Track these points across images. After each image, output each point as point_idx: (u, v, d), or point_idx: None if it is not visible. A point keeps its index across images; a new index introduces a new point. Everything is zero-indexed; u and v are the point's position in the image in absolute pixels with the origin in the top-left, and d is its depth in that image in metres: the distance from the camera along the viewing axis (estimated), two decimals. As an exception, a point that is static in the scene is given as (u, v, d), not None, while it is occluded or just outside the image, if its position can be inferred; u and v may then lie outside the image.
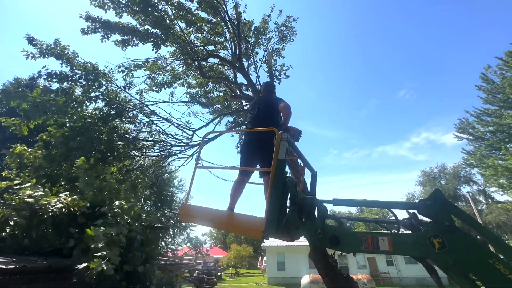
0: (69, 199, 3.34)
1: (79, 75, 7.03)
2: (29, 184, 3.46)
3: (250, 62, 11.15)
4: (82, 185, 3.82)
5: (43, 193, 3.30)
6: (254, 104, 3.45)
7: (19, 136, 6.46)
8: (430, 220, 1.88)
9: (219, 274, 29.72)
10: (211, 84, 12.27)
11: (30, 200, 3.10)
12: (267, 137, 2.94)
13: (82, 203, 3.41)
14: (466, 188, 34.16)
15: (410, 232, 2.42)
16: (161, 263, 4.70)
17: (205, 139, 3.65)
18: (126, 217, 3.39)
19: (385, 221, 2.68)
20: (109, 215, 3.40)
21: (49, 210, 3.07)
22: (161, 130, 8.07)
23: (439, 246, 1.64)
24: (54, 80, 6.36)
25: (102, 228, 3.08)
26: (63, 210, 3.22)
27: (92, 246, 3.12)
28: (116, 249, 3.27)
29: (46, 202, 3.12)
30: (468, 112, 20.81)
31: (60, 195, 3.36)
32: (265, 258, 38.25)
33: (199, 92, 12.37)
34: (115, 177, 5.93)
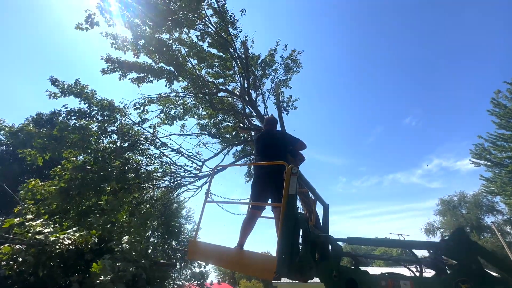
0: (77, 235, 3.30)
1: (96, 111, 7.42)
2: (41, 220, 3.48)
3: (257, 93, 11.58)
4: (95, 219, 3.81)
5: (53, 230, 3.29)
6: (261, 139, 3.50)
7: (35, 168, 6.67)
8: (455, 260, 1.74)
9: (227, 314, 27.65)
10: (220, 115, 12.66)
11: (39, 236, 3.09)
12: (278, 171, 2.93)
13: (90, 239, 3.36)
14: (490, 218, 31.95)
15: (434, 272, 2.24)
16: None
17: (212, 172, 3.66)
18: (134, 253, 3.30)
19: (406, 259, 2.51)
20: (116, 249, 3.31)
21: (57, 247, 3.03)
22: (171, 161, 8.19)
23: (468, 292, 1.50)
24: (73, 117, 6.72)
25: (110, 261, 2.99)
26: (71, 247, 3.17)
27: (98, 281, 3.01)
28: (122, 286, 3.14)
29: (55, 238, 3.10)
30: (482, 138, 20.30)
31: (69, 231, 3.34)
32: (277, 296, 35.64)
33: (209, 123, 12.73)
34: (127, 209, 5.93)
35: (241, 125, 9.60)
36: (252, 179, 3.22)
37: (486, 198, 31.74)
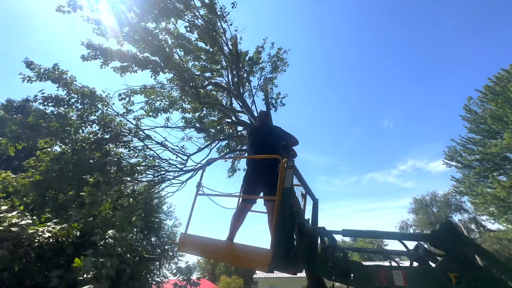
0: (58, 227, 3.10)
1: (75, 99, 7.02)
2: (16, 212, 3.22)
3: (245, 89, 11.53)
4: (76, 212, 3.58)
5: (31, 221, 3.06)
6: (253, 133, 3.50)
7: (5, 158, 6.20)
8: (441, 252, 1.83)
9: (207, 309, 27.56)
10: (205, 110, 12.46)
11: (15, 229, 2.86)
12: (270, 165, 2.93)
13: (72, 232, 3.16)
14: (458, 216, 34.27)
15: (417, 264, 2.35)
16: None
17: (205, 165, 3.58)
18: (119, 249, 3.15)
19: (393, 252, 2.61)
20: (99, 244, 3.15)
21: (35, 241, 2.83)
22: (155, 154, 7.95)
23: (456, 281, 1.59)
24: (51, 104, 6.31)
25: (92, 258, 2.84)
26: (51, 240, 2.97)
27: (80, 278, 2.85)
28: (106, 282, 3.00)
29: (33, 231, 2.88)
30: (454, 141, 21.60)
31: (49, 223, 3.11)
32: (256, 291, 35.98)
33: (194, 117, 12.49)
34: (110, 202, 5.68)
35: (228, 120, 9.51)
36: (245, 172, 3.20)
37: (455, 197, 33.98)
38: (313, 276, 3.52)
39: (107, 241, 3.15)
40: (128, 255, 3.18)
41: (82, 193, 4.35)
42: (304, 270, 2.04)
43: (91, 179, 4.49)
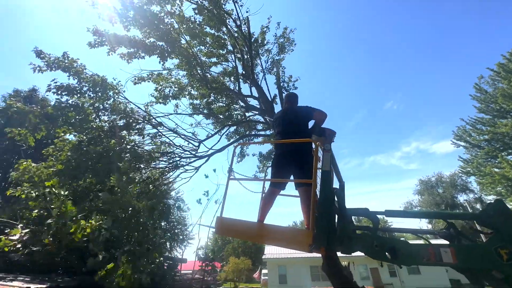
0: (96, 224, 3.15)
1: (87, 87, 6.98)
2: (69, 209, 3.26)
3: (255, 73, 11.32)
4: (104, 196, 3.63)
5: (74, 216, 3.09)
6: (280, 116, 3.45)
7: (23, 149, 6.29)
8: (490, 230, 1.85)
9: (218, 289, 28.80)
10: (213, 96, 12.35)
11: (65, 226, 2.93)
12: (301, 149, 2.91)
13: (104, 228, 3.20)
14: (463, 197, 34.50)
15: (447, 242, 2.39)
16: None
17: (234, 150, 3.57)
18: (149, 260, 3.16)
19: (422, 231, 2.65)
20: (132, 249, 3.17)
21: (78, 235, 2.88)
22: (168, 141, 8.00)
23: (507, 257, 1.62)
24: (64, 93, 6.30)
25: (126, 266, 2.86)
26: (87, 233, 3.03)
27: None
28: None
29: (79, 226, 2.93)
30: (464, 120, 21.29)
31: (91, 221, 3.14)
32: (264, 271, 37.32)
33: (202, 103, 12.42)
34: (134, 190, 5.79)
35: (243, 104, 9.42)
36: (273, 157, 3.20)
37: (461, 178, 34.05)
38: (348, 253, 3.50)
39: (138, 250, 3.17)
40: (157, 261, 3.21)
41: (107, 181, 4.42)
42: (343, 251, 2.07)
43: (121, 166, 4.52)
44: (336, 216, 2.15)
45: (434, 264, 1.77)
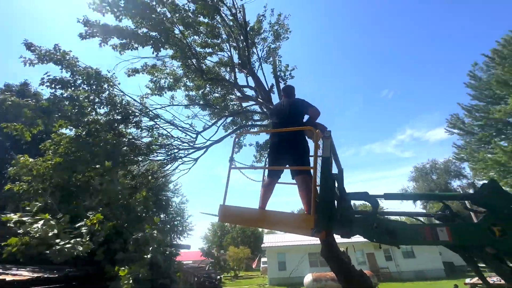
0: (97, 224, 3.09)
1: (81, 80, 6.87)
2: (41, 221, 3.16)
3: (251, 63, 11.20)
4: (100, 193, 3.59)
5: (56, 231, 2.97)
6: (278, 108, 3.49)
7: (20, 144, 6.25)
8: (483, 209, 1.93)
9: (218, 277, 29.44)
10: (209, 87, 12.24)
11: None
12: (296, 138, 2.96)
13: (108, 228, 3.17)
14: (457, 182, 35.29)
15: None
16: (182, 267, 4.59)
17: (234, 140, 3.60)
18: (148, 254, 3.15)
19: (418, 213, 2.74)
20: (131, 249, 3.14)
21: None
22: (165, 133, 7.98)
23: (499, 233, 1.70)
24: (58, 86, 6.20)
25: (127, 267, 2.83)
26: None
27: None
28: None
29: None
30: (460, 105, 21.48)
31: (91, 219, 3.05)
32: (263, 259, 38.12)
33: (198, 95, 12.32)
34: (125, 183, 5.80)
35: (239, 94, 9.37)
36: (269, 148, 3.25)
37: (454, 164, 34.73)
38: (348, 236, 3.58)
39: (140, 247, 3.16)
40: (159, 256, 3.24)
41: (106, 174, 4.42)
42: (343, 234, 2.15)
43: (108, 164, 4.46)
44: (336, 200, 2.21)
45: (431, 243, 1.85)
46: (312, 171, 2.40)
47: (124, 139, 7.25)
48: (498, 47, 18.76)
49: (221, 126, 11.81)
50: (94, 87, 6.95)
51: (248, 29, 9.08)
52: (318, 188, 2.50)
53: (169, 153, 7.97)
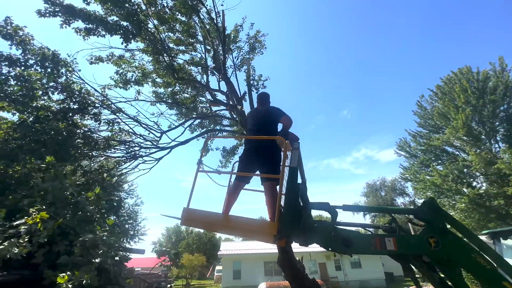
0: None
1: (34, 60, 6.18)
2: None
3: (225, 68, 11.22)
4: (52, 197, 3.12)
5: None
6: (253, 114, 3.55)
7: None
8: (422, 223, 2.20)
9: (169, 286, 27.85)
10: (179, 86, 11.90)
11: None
12: (269, 145, 3.05)
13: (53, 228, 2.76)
14: (401, 199, 39.14)
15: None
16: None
17: (205, 143, 3.55)
18: (96, 258, 2.82)
19: (369, 225, 2.99)
20: (77, 252, 2.77)
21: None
22: (127, 129, 7.49)
23: (434, 244, 1.96)
24: (4, 64, 5.48)
25: (68, 273, 2.49)
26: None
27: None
28: None
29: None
30: (407, 131, 24.06)
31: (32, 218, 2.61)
32: (217, 267, 37.17)
33: (166, 93, 11.87)
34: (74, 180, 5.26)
35: (211, 98, 9.25)
36: (241, 152, 3.27)
37: (400, 183, 38.55)
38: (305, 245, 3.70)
39: (88, 251, 2.81)
40: (108, 260, 2.94)
41: (53, 167, 3.93)
42: (302, 242, 2.25)
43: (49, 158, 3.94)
44: (300, 209, 2.32)
45: (380, 252, 2.05)
46: (279, 179, 2.48)
47: (79, 130, 6.63)
48: (441, 84, 21.65)
49: (188, 128, 11.50)
50: (49, 70, 6.29)
51: (225, 34, 9.12)
52: (283, 196, 2.59)
53: (129, 150, 7.47)
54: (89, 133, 6.64)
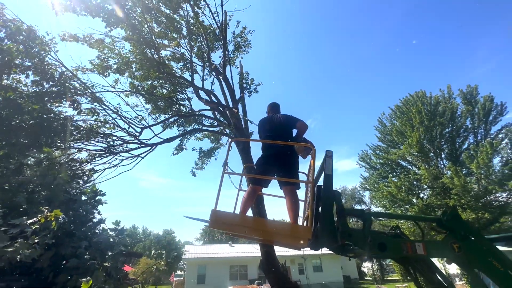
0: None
1: (4, 33, 5.41)
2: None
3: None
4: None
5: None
6: (269, 120, 3.57)
7: None
8: (444, 231, 2.46)
9: (122, 292, 25.79)
10: (157, 81, 11.31)
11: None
12: (290, 152, 3.11)
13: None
14: (358, 207, 42.19)
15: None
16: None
17: (229, 145, 3.42)
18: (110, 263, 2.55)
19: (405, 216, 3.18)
20: (88, 255, 2.45)
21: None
22: (108, 119, 6.89)
23: (457, 250, 2.20)
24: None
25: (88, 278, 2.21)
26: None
27: None
28: None
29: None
30: (368, 145, 26.16)
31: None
32: (178, 272, 35.56)
33: (146, 85, 11.17)
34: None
35: (207, 98, 8.95)
36: (260, 157, 3.26)
37: (359, 192, 41.56)
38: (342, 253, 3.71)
39: (99, 251, 2.51)
40: (118, 264, 2.62)
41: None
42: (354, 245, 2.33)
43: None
44: (335, 215, 2.42)
45: (410, 256, 2.23)
46: (310, 185, 2.55)
47: (53, 115, 5.93)
48: (400, 104, 24.08)
49: (162, 124, 10.89)
50: (21, 46, 5.56)
51: (226, 32, 8.98)
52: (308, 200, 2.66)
53: (109, 143, 6.85)
54: (64, 121, 5.96)
